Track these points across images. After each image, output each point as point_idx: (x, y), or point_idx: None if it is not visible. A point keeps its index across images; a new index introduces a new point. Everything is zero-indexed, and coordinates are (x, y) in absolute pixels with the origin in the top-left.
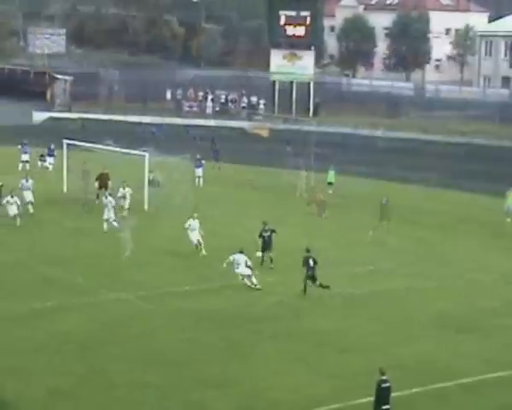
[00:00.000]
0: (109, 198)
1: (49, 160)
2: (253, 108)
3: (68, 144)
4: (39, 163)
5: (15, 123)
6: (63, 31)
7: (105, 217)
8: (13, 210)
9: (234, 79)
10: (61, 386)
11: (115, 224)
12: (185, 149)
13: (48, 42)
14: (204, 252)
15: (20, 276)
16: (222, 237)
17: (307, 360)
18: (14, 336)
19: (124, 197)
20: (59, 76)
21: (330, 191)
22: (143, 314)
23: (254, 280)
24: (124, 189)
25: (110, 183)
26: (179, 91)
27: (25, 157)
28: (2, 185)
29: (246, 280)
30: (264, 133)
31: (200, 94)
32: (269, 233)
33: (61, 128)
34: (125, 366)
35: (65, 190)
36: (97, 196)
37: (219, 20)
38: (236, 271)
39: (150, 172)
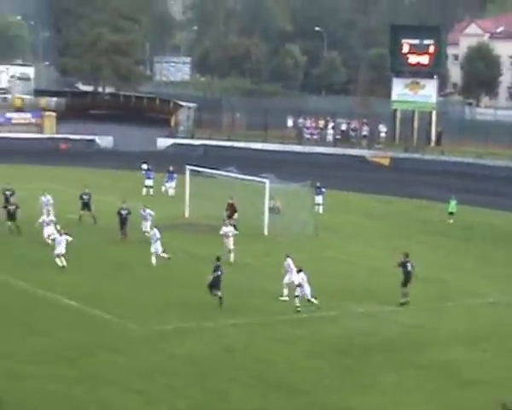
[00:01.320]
0: (154, 230)
1: (170, 184)
2: (373, 136)
3: (191, 170)
4: (163, 188)
5: (140, 149)
6: (188, 59)
7: (152, 250)
8: (59, 249)
9: (355, 108)
10: (180, 409)
11: (165, 255)
12: (306, 177)
13: (173, 70)
14: (315, 301)
15: (142, 298)
16: (342, 265)
17: (428, 392)
18: (136, 358)
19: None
20: (183, 103)
21: (451, 221)
22: (262, 341)
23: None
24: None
25: (236, 214)
26: (300, 119)
27: (148, 182)
28: (129, 213)
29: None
30: (385, 162)
31: (321, 122)
32: (413, 265)
33: (184, 154)
34: (245, 391)
35: (187, 215)
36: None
37: (341, 49)
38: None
39: (271, 198)
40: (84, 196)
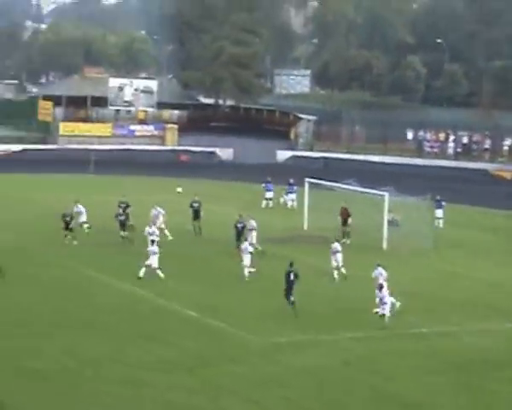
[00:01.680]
0: (246, 244)
1: (291, 196)
2: (496, 149)
3: (310, 183)
4: (281, 200)
5: (260, 161)
6: (308, 72)
7: (244, 263)
8: (150, 260)
9: (478, 121)
10: None
11: (249, 270)
12: (426, 190)
13: (293, 83)
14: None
15: (257, 309)
16: (462, 279)
17: None
18: (254, 369)
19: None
20: (303, 116)
21: None
22: (379, 354)
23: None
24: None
25: (350, 219)
26: (421, 132)
27: (268, 195)
28: (245, 227)
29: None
30: (508, 176)
31: (442, 135)
32: None
33: (303, 167)
34: (362, 404)
35: (305, 227)
36: (343, 235)
37: (463, 60)
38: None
39: (390, 212)
40: (194, 204)
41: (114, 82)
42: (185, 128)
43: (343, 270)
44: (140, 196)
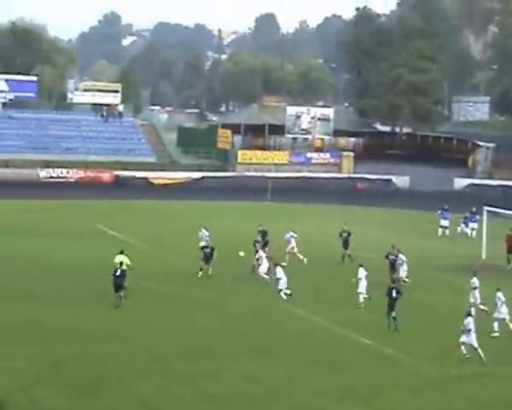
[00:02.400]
0: (360, 269)
1: (472, 225)
2: None
3: (489, 211)
4: (458, 228)
5: (436, 189)
6: (487, 98)
7: (359, 290)
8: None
9: None
10: None
11: (365, 297)
12: None
13: (471, 110)
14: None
15: (434, 338)
16: None
17: None
18: (431, 400)
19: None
20: (481, 143)
21: None
22: None
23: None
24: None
25: None
26: None
27: (444, 222)
28: (395, 260)
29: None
30: None
31: None
32: None
33: (481, 195)
34: None
35: (483, 256)
36: (508, 261)
37: None
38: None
39: None
40: (343, 234)
41: (292, 110)
42: (361, 156)
43: (481, 307)
44: (314, 222)
